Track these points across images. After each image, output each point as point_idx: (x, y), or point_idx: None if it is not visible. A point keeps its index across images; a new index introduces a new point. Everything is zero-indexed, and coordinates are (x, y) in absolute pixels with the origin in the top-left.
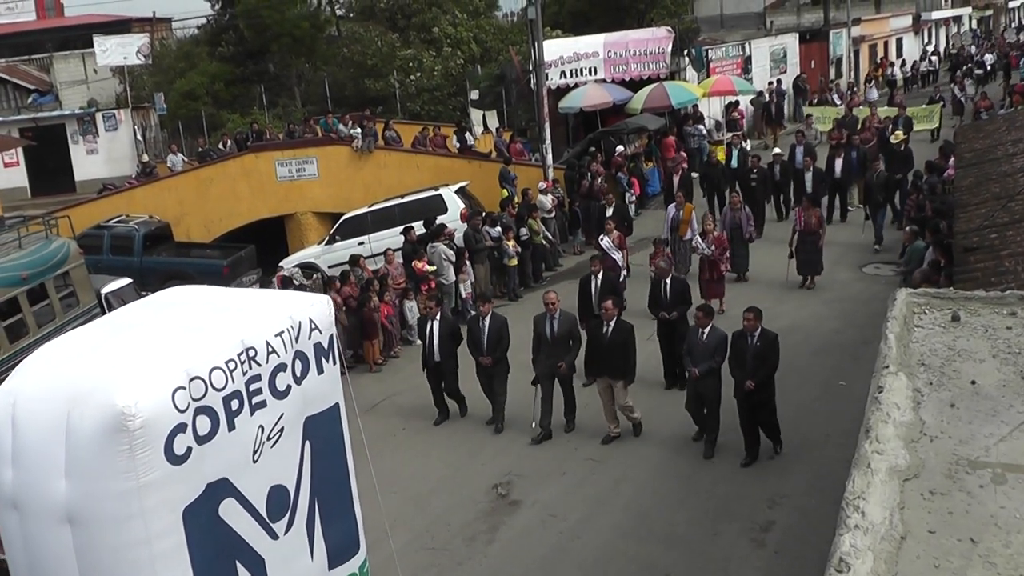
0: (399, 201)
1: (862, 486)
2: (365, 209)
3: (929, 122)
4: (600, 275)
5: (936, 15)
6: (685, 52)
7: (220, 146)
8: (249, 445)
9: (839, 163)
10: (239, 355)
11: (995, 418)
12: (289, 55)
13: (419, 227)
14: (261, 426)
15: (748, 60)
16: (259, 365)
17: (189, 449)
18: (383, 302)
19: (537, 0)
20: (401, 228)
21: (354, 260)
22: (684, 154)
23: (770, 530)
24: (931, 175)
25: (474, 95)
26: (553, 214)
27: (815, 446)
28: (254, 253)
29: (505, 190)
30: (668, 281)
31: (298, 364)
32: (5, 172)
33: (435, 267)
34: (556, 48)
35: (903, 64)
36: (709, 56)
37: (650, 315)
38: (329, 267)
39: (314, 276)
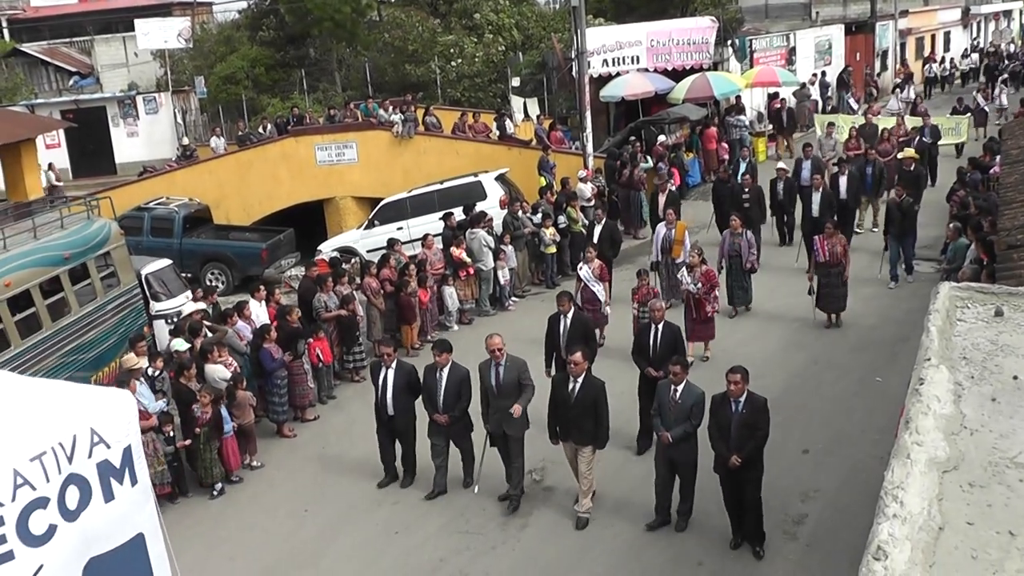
0: (438, 187)
1: (901, 476)
2: (404, 194)
3: (956, 135)
4: (570, 315)
5: (986, 9)
6: (729, 42)
7: (260, 130)
8: None
9: (843, 181)
10: None
11: None
12: (330, 40)
13: (459, 213)
14: None
15: (792, 51)
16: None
17: None
18: (422, 288)
19: None
20: (440, 214)
21: (391, 243)
22: (726, 145)
23: (802, 523)
24: (975, 172)
25: (515, 82)
26: (592, 203)
27: (850, 441)
28: (293, 237)
29: (543, 178)
30: (660, 328)
31: (71, 494)
32: (47, 153)
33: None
34: (599, 36)
35: (943, 61)
36: (753, 47)
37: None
38: (367, 251)
39: (352, 260)
